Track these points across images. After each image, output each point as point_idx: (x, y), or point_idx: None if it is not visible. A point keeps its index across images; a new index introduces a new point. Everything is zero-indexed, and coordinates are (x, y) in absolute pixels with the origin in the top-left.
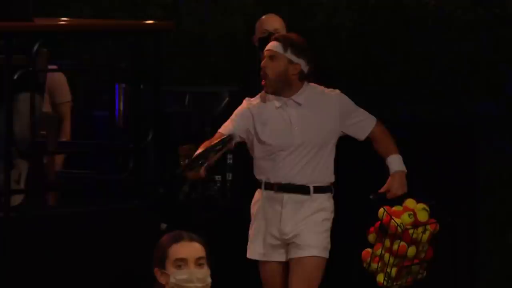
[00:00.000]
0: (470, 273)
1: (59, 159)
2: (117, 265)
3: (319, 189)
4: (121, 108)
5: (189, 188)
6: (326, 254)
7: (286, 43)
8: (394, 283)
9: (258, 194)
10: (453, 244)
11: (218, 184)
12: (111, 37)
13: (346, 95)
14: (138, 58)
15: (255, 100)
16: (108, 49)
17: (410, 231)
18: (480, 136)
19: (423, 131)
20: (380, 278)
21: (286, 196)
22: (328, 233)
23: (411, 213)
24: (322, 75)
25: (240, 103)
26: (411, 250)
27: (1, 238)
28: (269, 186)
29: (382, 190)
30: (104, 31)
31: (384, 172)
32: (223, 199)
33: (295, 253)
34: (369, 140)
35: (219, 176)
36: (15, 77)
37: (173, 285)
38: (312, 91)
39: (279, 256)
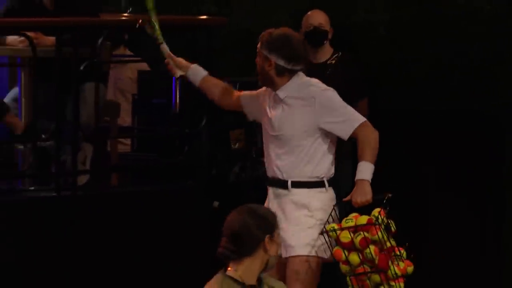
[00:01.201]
0: (498, 260)
1: (127, 143)
2: (174, 239)
3: (298, 184)
4: (178, 96)
5: (239, 170)
6: (309, 251)
7: (262, 39)
8: None
9: None
10: (482, 233)
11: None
12: (168, 31)
13: (381, 85)
14: (193, 50)
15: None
16: (166, 42)
17: (338, 233)
18: (508, 126)
19: (450, 121)
20: None
21: (271, 190)
22: (313, 230)
23: (348, 219)
24: (363, 67)
25: None
26: (353, 257)
27: (69, 214)
28: (265, 180)
29: (345, 199)
30: (163, 26)
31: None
32: None
33: (283, 253)
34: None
35: None
36: (81, 68)
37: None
38: (297, 86)
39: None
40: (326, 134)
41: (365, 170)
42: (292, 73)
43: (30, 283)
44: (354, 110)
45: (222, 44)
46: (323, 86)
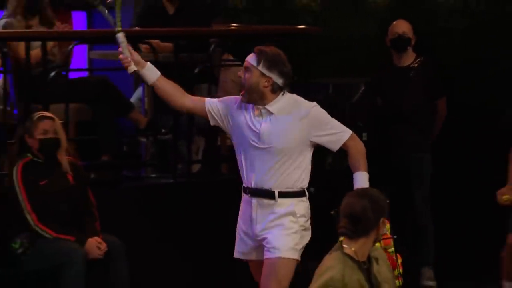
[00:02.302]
0: None
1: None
2: None
3: (285, 194)
4: None
5: (331, 159)
6: (292, 255)
7: (259, 56)
8: None
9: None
10: None
11: None
12: (271, 39)
13: (458, 86)
14: (292, 55)
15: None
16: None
17: None
18: None
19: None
20: None
21: (255, 201)
22: (297, 235)
23: None
24: (439, 70)
25: (372, 92)
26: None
27: (184, 198)
28: (245, 190)
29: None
30: (266, 35)
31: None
32: None
33: (264, 255)
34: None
35: None
36: (195, 71)
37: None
38: (287, 101)
39: (258, 255)
40: (312, 147)
41: (360, 179)
42: (282, 90)
43: (151, 257)
44: (341, 124)
45: (317, 49)
46: (310, 102)
